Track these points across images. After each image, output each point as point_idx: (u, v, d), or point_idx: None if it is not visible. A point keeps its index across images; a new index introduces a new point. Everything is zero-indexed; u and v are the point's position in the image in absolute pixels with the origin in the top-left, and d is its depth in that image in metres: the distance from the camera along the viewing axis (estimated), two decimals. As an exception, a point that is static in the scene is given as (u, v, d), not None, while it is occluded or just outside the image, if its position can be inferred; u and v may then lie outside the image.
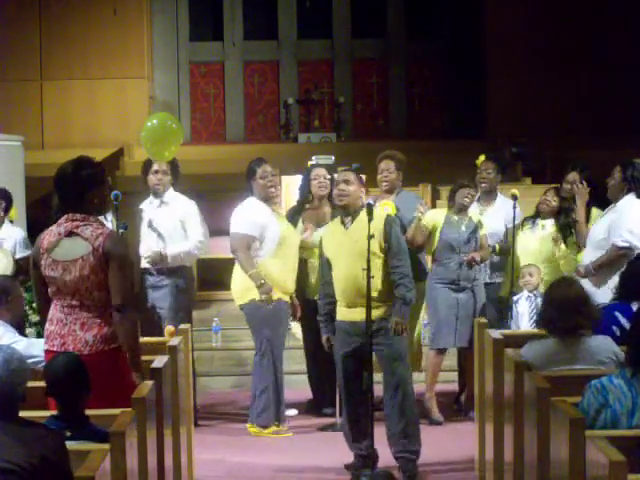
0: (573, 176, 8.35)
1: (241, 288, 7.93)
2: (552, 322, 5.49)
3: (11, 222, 8.71)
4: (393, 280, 6.66)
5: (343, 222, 6.76)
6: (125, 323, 5.19)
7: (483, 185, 8.56)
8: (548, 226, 8.30)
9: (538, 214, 8.38)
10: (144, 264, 8.20)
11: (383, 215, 6.84)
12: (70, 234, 5.20)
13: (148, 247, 8.16)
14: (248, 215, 7.91)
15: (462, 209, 8.14)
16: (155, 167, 8.21)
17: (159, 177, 8.20)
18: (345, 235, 6.69)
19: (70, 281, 5.16)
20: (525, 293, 8.00)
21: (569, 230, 8.20)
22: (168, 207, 8.21)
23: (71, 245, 5.18)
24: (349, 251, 6.61)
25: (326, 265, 6.84)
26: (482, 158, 8.69)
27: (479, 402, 6.68)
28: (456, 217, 8.13)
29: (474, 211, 8.33)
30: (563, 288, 5.61)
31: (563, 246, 8.15)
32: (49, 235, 5.23)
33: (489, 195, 8.62)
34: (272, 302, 7.81)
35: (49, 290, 5.27)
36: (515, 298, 8.05)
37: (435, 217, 8.17)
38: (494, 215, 8.49)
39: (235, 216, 7.99)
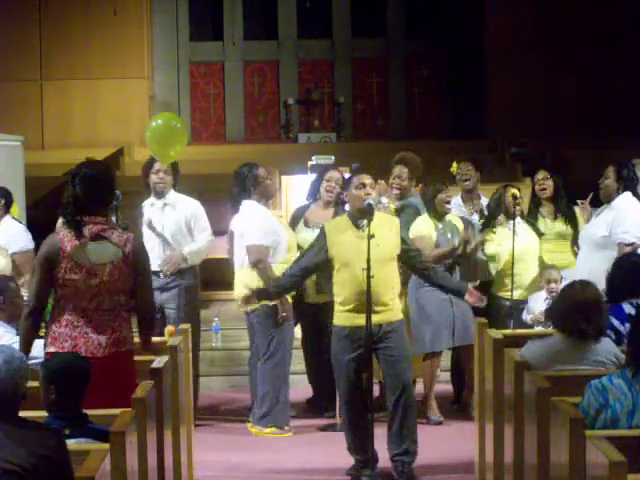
0: (542, 173, 8.43)
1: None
2: (561, 320, 5.48)
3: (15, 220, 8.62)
4: (425, 269, 6.91)
5: (356, 224, 6.65)
6: (153, 329, 5.48)
7: (466, 183, 8.57)
8: (520, 225, 8.26)
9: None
10: (153, 267, 8.14)
11: (393, 217, 6.93)
12: (96, 237, 5.17)
13: (153, 250, 8.14)
14: (260, 225, 7.85)
15: (443, 215, 8.14)
16: (157, 166, 8.21)
17: (161, 176, 8.19)
18: (361, 238, 6.49)
19: (94, 285, 5.13)
20: (543, 294, 7.98)
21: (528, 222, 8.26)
22: (172, 208, 8.20)
23: (99, 249, 5.14)
24: (367, 254, 6.37)
25: (314, 257, 6.74)
26: (455, 164, 8.69)
27: (479, 402, 6.68)
28: (440, 225, 8.12)
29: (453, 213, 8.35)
30: (580, 289, 5.57)
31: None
32: (69, 238, 5.15)
33: (471, 195, 8.60)
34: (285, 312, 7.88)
35: (61, 292, 5.19)
36: (534, 298, 8.04)
37: (428, 228, 8.12)
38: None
39: (245, 226, 7.90)
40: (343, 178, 8.37)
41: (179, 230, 8.18)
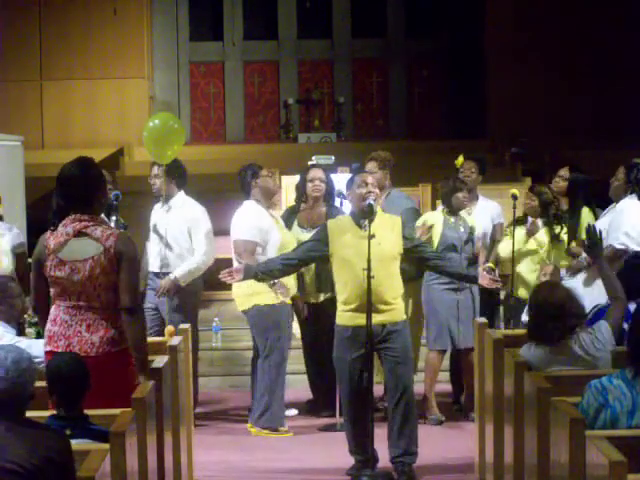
0: (564, 171, 8.42)
1: (244, 294, 7.92)
2: (545, 330, 5.47)
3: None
4: (436, 259, 6.88)
5: (358, 224, 6.66)
6: (134, 324, 5.20)
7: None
8: (540, 226, 8.29)
9: (526, 216, 8.37)
10: (153, 268, 8.20)
11: (396, 217, 6.88)
12: (79, 234, 5.17)
13: (154, 252, 8.18)
14: (249, 221, 7.92)
15: (458, 210, 8.16)
16: (153, 171, 8.24)
17: (153, 181, 8.24)
18: (363, 237, 6.48)
19: (78, 281, 5.13)
20: None
21: (558, 224, 8.22)
22: (176, 212, 8.21)
23: (80, 245, 5.15)
24: (368, 254, 6.38)
25: (313, 249, 6.75)
26: (461, 159, 8.69)
27: (479, 402, 6.68)
28: (452, 219, 8.14)
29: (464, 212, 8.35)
30: (547, 293, 5.57)
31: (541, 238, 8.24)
32: (55, 236, 5.19)
33: (470, 195, 8.61)
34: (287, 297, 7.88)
35: (53, 291, 5.22)
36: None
37: (433, 219, 8.16)
38: (480, 215, 8.50)
39: (236, 222, 8.00)
40: (325, 173, 8.40)
41: (181, 234, 8.19)
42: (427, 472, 6.90)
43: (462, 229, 8.15)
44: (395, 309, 6.65)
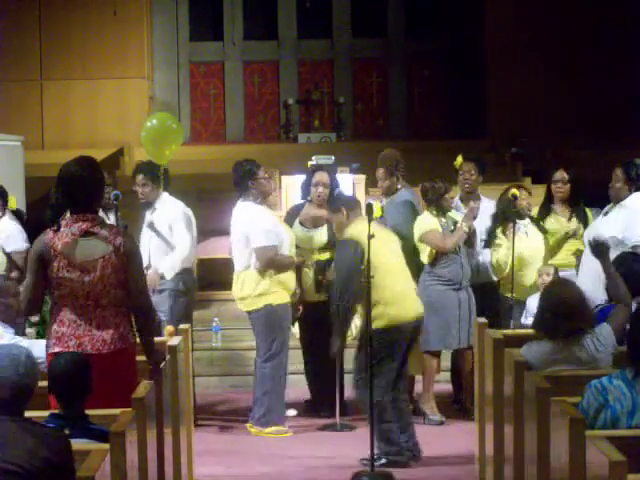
0: (560, 174, 8.39)
1: (254, 294, 7.90)
2: (551, 326, 5.46)
3: (14, 212, 8.59)
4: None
5: None
6: (150, 324, 5.31)
7: (466, 186, 8.58)
8: (529, 225, 8.28)
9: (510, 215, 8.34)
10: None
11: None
12: (85, 234, 5.17)
13: (146, 250, 8.21)
14: (262, 225, 7.87)
15: (447, 211, 8.19)
16: (136, 179, 8.24)
17: (141, 190, 8.21)
18: None
19: (89, 282, 5.12)
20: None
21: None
22: (159, 212, 8.23)
23: (89, 245, 5.13)
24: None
25: None
26: (460, 159, 8.66)
27: (479, 402, 6.68)
28: (444, 220, 8.16)
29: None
30: (560, 290, 5.57)
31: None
32: (59, 236, 5.14)
33: (471, 196, 8.61)
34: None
35: (58, 292, 5.18)
36: (532, 299, 8.04)
37: (435, 223, 8.14)
38: (483, 215, 8.49)
39: (249, 229, 7.91)
40: (330, 176, 8.39)
41: (166, 232, 8.19)
42: (427, 471, 6.90)
43: (452, 227, 8.18)
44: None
